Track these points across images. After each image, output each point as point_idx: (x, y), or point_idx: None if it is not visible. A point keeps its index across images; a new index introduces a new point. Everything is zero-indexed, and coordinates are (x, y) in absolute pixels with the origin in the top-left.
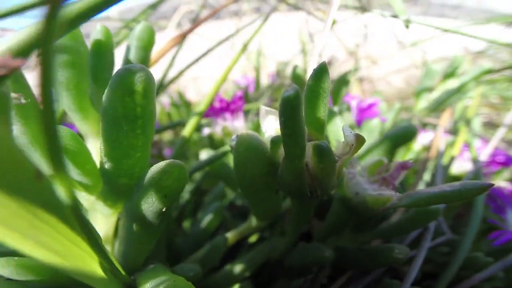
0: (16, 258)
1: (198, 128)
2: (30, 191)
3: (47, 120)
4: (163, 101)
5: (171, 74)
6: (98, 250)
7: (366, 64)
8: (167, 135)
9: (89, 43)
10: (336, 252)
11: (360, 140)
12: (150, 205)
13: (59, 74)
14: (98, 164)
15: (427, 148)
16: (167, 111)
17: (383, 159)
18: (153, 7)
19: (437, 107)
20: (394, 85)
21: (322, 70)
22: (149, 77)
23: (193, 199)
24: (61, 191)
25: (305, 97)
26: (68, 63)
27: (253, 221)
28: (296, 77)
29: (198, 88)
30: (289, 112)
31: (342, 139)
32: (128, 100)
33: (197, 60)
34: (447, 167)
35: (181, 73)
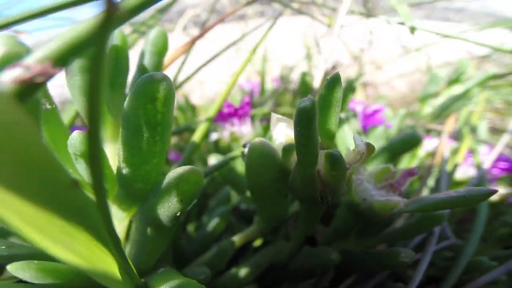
0: (36, 261)
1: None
2: (63, 198)
3: (94, 132)
4: None
5: (179, 79)
6: (119, 254)
7: (370, 69)
8: (173, 139)
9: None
10: (341, 255)
11: (370, 149)
12: (166, 209)
13: (77, 78)
14: (114, 169)
15: (431, 154)
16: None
17: (390, 166)
18: (162, 11)
19: (442, 113)
20: (397, 90)
21: (335, 81)
22: (170, 86)
23: (198, 202)
24: (91, 198)
25: (317, 106)
26: (87, 68)
27: (259, 224)
28: (304, 83)
29: (203, 91)
30: (305, 122)
31: (351, 146)
32: (149, 108)
33: (205, 65)
34: (451, 173)
35: (189, 77)
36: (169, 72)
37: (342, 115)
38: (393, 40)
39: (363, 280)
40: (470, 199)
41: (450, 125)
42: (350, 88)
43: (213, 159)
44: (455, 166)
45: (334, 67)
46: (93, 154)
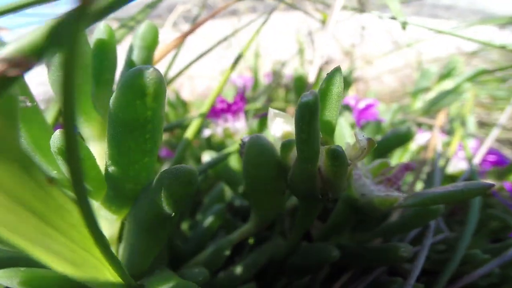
0: (22, 269)
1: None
2: (38, 197)
3: (68, 127)
4: None
5: (170, 74)
6: (109, 256)
7: (361, 64)
8: (163, 135)
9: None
10: (340, 250)
11: (372, 144)
12: (158, 210)
13: (58, 75)
14: (102, 169)
15: (423, 148)
16: None
17: (387, 161)
18: (151, 6)
19: (433, 107)
20: (387, 85)
21: (336, 75)
22: (160, 80)
23: (191, 200)
24: (71, 197)
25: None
26: (61, 62)
27: (255, 221)
28: (298, 79)
29: (193, 86)
30: (307, 117)
31: (349, 141)
32: (139, 104)
33: (196, 60)
34: (443, 167)
35: (180, 73)
36: (159, 68)
37: None
38: (384, 35)
39: (360, 274)
40: (468, 193)
41: (441, 119)
42: (344, 83)
43: (207, 156)
44: (447, 160)
45: (327, 63)
46: (69, 148)
